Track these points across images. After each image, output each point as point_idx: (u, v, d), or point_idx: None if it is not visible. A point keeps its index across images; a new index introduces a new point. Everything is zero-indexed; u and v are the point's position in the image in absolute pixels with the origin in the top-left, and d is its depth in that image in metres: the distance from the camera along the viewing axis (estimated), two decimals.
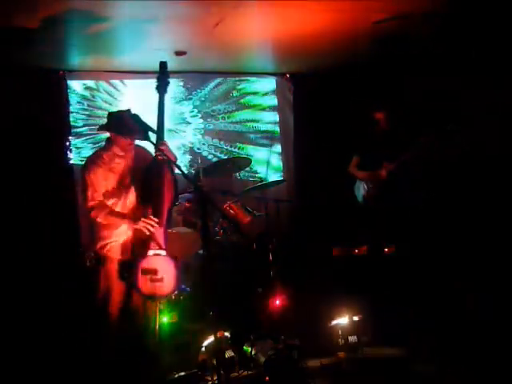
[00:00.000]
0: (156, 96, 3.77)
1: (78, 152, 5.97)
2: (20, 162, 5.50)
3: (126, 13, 4.44)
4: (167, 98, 3.80)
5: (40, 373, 3.86)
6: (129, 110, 3.76)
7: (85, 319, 4.18)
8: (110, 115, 3.88)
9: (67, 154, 5.86)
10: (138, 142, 3.77)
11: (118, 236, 3.70)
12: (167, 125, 4.48)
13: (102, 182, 3.67)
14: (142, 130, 3.55)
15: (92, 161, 3.78)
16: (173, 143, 5.90)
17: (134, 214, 3.65)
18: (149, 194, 3.58)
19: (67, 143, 5.87)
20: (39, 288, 5.03)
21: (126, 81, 6.18)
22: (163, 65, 3.82)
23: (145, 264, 3.48)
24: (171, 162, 3.62)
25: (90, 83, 6.06)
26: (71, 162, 5.88)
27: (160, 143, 3.61)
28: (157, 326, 3.58)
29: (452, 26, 5.10)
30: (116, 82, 6.16)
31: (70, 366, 3.88)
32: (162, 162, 3.58)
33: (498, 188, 5.16)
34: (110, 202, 3.69)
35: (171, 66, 5.82)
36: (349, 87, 6.34)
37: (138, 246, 3.58)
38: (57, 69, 5.80)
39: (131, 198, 3.72)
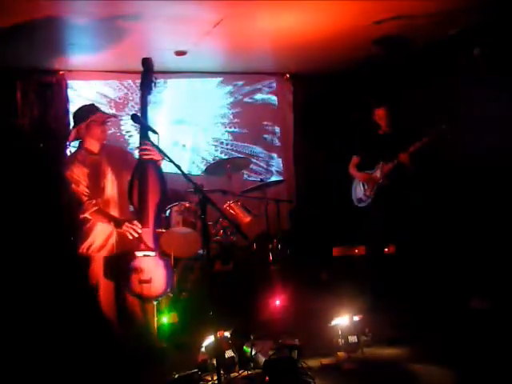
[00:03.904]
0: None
1: None
2: (20, 161, 5.50)
3: (126, 13, 4.44)
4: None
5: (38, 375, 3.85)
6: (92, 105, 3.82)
7: (78, 318, 4.17)
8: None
9: (67, 154, 5.85)
10: (115, 142, 3.75)
11: (98, 235, 3.69)
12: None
13: (81, 177, 3.66)
14: (143, 129, 3.56)
15: (67, 160, 3.84)
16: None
17: (117, 216, 3.67)
18: (133, 195, 3.56)
19: (67, 143, 5.87)
20: (33, 288, 5.02)
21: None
22: (146, 61, 3.65)
23: (133, 264, 3.49)
24: (156, 161, 3.60)
25: (90, 83, 6.08)
26: None
27: (143, 142, 3.57)
28: (155, 327, 3.58)
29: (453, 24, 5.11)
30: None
31: (67, 367, 3.87)
32: (146, 161, 3.56)
33: (496, 187, 5.16)
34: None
35: (171, 66, 5.96)
36: (348, 87, 6.34)
37: (123, 244, 3.60)
38: (57, 69, 5.80)
39: (111, 198, 3.74)
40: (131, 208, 3.65)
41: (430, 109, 5.63)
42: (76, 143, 3.89)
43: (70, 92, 5.95)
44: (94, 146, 3.79)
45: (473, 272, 4.87)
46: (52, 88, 5.84)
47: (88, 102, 5.90)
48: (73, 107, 5.94)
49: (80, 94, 6.02)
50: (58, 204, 5.62)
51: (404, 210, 4.83)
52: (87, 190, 3.65)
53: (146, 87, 3.62)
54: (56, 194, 5.63)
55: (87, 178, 3.67)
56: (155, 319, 3.62)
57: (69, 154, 4.00)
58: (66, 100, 5.92)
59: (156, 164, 3.61)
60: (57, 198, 5.63)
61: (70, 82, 5.95)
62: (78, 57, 5.52)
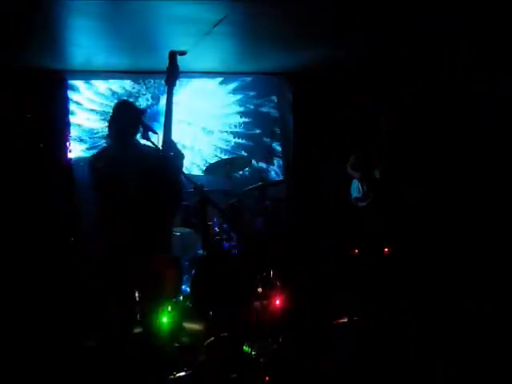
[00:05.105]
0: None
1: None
2: (20, 161, 5.51)
3: (125, 13, 4.44)
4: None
5: (41, 372, 3.86)
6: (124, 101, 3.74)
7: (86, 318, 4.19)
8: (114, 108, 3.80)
9: (67, 154, 5.86)
10: (142, 141, 3.70)
11: (118, 235, 3.66)
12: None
13: (108, 174, 3.58)
14: (143, 129, 3.55)
15: (96, 157, 3.73)
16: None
17: (135, 217, 3.63)
18: (152, 196, 3.53)
19: (67, 143, 5.88)
20: (38, 288, 5.03)
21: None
22: (172, 55, 3.58)
23: (150, 266, 3.46)
24: (178, 159, 3.57)
25: (91, 83, 6.08)
26: (71, 161, 5.88)
27: (167, 141, 3.53)
28: (156, 327, 3.58)
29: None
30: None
31: (66, 366, 3.88)
32: (168, 161, 3.52)
33: (497, 186, 5.16)
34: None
35: None
36: (349, 87, 6.34)
37: (142, 245, 3.57)
38: (57, 69, 5.80)
39: (133, 198, 3.69)
40: (151, 209, 3.61)
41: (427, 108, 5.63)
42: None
43: (70, 92, 5.96)
44: (124, 143, 3.67)
45: (471, 271, 4.88)
46: (52, 88, 5.84)
47: (88, 102, 6.07)
48: (73, 107, 5.96)
49: (80, 93, 6.02)
50: (57, 204, 5.63)
51: (403, 210, 4.84)
52: (113, 188, 3.55)
53: (172, 82, 3.57)
54: (55, 195, 5.65)
55: (114, 176, 3.57)
56: (156, 319, 3.61)
57: (99, 149, 3.89)
58: (66, 100, 5.92)
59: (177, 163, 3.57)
60: (56, 198, 5.65)
61: (70, 82, 5.96)
62: (79, 57, 5.53)
